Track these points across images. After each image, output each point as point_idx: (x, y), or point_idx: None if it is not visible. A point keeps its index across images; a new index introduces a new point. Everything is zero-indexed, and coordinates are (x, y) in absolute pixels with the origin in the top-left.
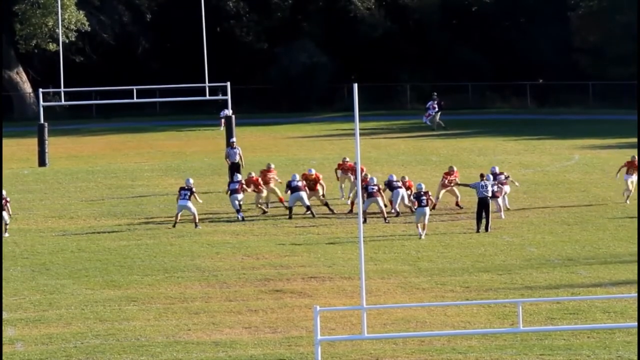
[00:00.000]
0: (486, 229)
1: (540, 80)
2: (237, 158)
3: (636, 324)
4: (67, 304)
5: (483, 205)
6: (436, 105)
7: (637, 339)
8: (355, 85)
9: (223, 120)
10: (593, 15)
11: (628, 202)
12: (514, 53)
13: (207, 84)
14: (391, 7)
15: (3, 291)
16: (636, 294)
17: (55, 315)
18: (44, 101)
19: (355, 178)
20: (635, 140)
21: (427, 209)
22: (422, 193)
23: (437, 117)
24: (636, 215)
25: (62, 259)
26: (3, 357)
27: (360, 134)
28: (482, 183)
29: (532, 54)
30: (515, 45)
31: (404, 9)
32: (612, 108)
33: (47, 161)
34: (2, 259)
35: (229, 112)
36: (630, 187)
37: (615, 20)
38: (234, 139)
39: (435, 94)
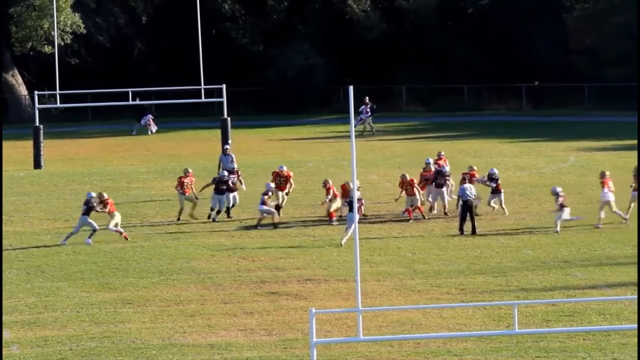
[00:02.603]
0: (473, 231)
1: (536, 82)
2: (230, 165)
3: (631, 325)
4: (63, 306)
5: (467, 208)
6: (369, 110)
7: (637, 340)
8: (351, 88)
9: (148, 126)
10: (589, 17)
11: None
12: (510, 55)
13: (202, 86)
14: (387, 9)
15: None
16: (632, 296)
17: (51, 318)
18: (39, 103)
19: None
20: (630, 142)
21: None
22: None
23: (369, 121)
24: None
25: (57, 262)
26: None
27: (356, 136)
28: (464, 186)
29: (528, 55)
30: (511, 47)
31: (399, 10)
32: (608, 110)
33: (42, 163)
34: (2, 262)
35: (150, 117)
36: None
37: (611, 21)
38: (228, 146)
39: (368, 97)
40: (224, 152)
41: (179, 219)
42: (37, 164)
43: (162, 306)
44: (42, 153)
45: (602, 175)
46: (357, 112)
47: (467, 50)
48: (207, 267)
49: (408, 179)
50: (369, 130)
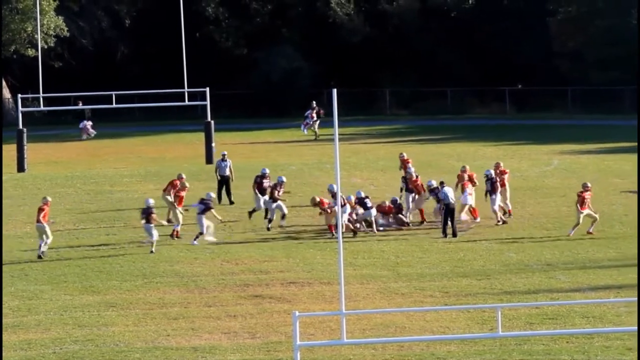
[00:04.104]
0: (453, 234)
1: (519, 86)
2: (228, 171)
3: (615, 328)
4: (46, 309)
5: (449, 211)
6: (315, 115)
7: (637, 341)
8: (334, 91)
9: (83, 132)
10: (572, 20)
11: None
12: (493, 58)
13: (186, 89)
14: (370, 13)
15: None
16: (615, 299)
17: (34, 321)
18: (22, 107)
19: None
20: (613, 145)
21: (373, 211)
22: (363, 198)
23: (316, 126)
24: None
25: (40, 265)
26: None
27: (340, 139)
28: (446, 189)
29: (512, 59)
30: (494, 50)
31: (383, 14)
32: (591, 113)
33: (25, 167)
34: (2, 263)
35: (89, 122)
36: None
37: (595, 25)
38: (225, 152)
39: (315, 102)
40: (222, 158)
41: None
42: (20, 167)
43: (146, 309)
44: (25, 156)
45: (461, 178)
46: (304, 117)
47: (450, 53)
48: (190, 270)
49: (414, 178)
50: (316, 135)
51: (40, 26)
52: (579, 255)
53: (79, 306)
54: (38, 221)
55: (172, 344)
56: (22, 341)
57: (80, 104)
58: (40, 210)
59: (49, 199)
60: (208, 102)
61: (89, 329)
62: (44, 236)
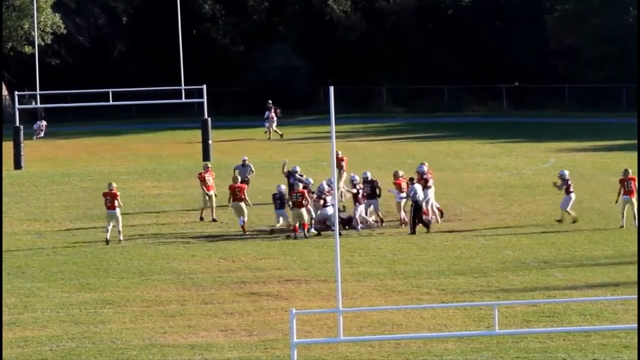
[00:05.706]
0: (413, 230)
1: (516, 83)
2: (247, 176)
3: (611, 326)
4: (43, 307)
5: (417, 209)
6: (273, 114)
7: (637, 340)
8: (331, 88)
9: (38, 131)
10: (569, 19)
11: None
12: (490, 56)
13: (183, 86)
14: (367, 11)
15: None
16: (612, 297)
17: (31, 318)
18: (19, 104)
19: None
20: (610, 143)
21: (329, 209)
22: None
23: (274, 125)
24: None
25: (37, 262)
26: None
27: (336, 137)
28: (415, 186)
29: (508, 56)
30: (491, 48)
31: (380, 12)
32: (587, 111)
33: (22, 164)
34: (2, 262)
35: (43, 123)
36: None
37: (591, 23)
38: (246, 157)
39: (270, 101)
40: (242, 163)
41: (201, 219)
42: (17, 165)
43: (143, 307)
44: (22, 153)
45: (395, 175)
46: (264, 118)
47: (447, 51)
48: (187, 268)
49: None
50: (275, 133)
51: (37, 23)
52: (575, 253)
53: (76, 303)
54: (110, 208)
55: (169, 341)
56: (19, 338)
57: (34, 103)
58: (113, 196)
59: (115, 184)
60: (205, 100)
61: (86, 326)
62: (113, 221)
